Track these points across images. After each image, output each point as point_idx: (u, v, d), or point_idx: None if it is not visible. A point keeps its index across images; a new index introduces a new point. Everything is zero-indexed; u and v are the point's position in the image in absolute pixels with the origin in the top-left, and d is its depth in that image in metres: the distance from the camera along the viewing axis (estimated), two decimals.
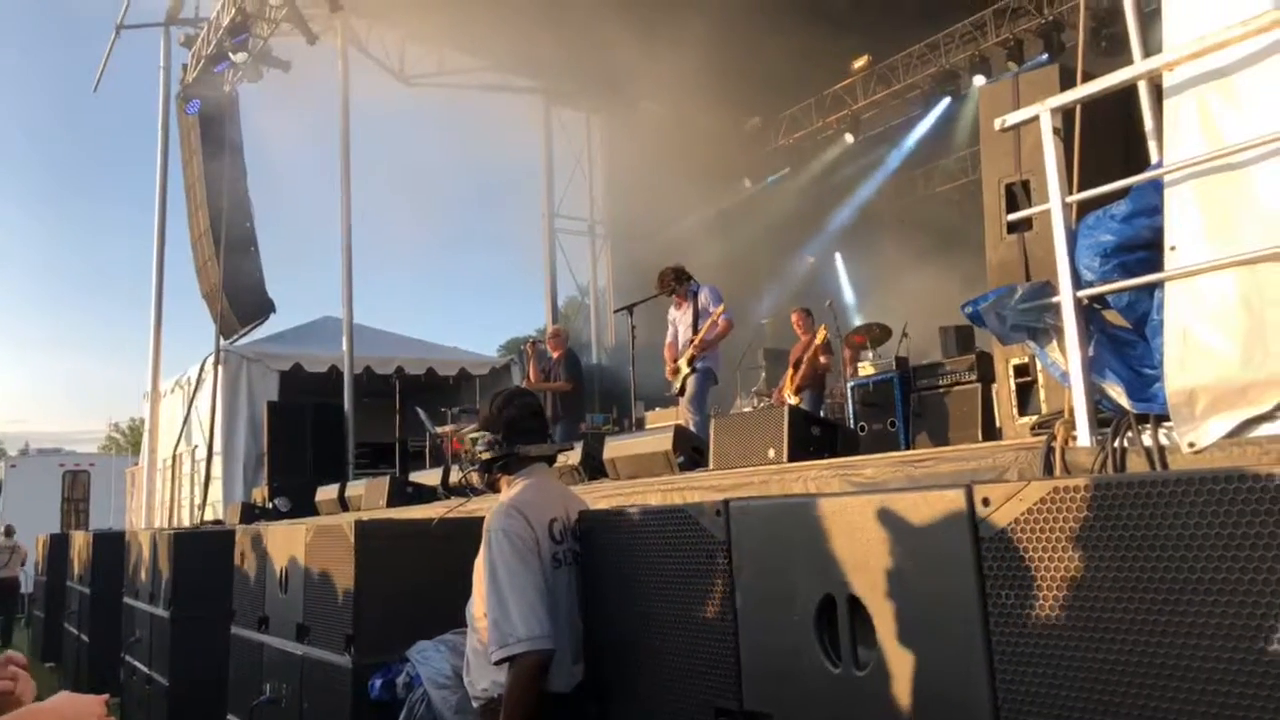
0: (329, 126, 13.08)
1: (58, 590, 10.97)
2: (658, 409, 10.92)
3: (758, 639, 2.09)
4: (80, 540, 9.86)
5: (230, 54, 12.52)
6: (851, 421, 8.82)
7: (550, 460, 3.05)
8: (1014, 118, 3.06)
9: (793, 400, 9.10)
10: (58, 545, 11.59)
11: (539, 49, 14.71)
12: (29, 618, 15.31)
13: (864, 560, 1.83)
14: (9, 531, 16.22)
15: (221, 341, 13.19)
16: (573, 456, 5.61)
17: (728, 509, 2.15)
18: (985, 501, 1.64)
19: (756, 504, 2.16)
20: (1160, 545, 1.41)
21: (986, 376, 7.70)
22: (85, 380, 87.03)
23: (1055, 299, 2.86)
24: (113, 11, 14.30)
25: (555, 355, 10.15)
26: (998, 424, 6.90)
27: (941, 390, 8.11)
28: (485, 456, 2.90)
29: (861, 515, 1.83)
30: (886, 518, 1.80)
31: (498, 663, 2.57)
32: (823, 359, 9.35)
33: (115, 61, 15.20)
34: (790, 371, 9.56)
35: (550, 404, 9.86)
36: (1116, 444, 2.55)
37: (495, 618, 2.57)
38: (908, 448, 7.82)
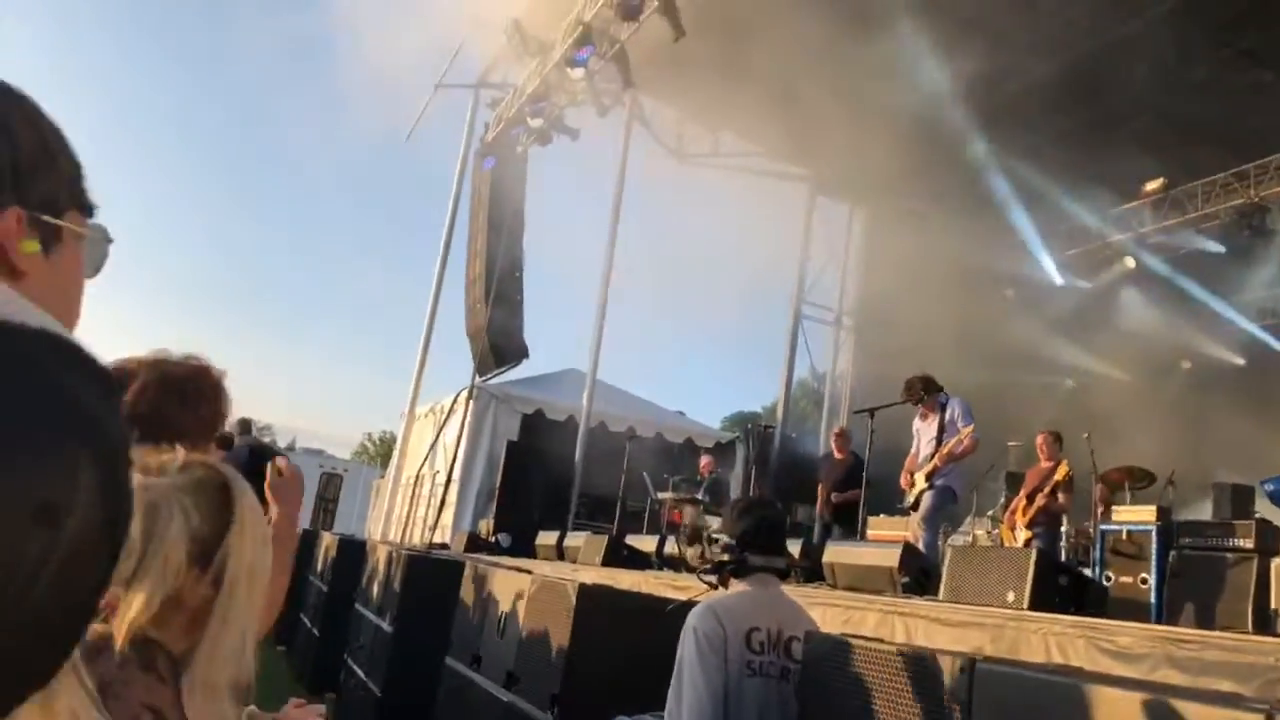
0: (602, 191, 13.90)
1: (299, 582, 11.99)
2: (882, 515, 10.53)
3: None
4: (327, 540, 10.75)
5: (528, 119, 13.61)
6: (1096, 569, 8.11)
7: (780, 573, 3.12)
8: None
9: (1024, 534, 8.49)
10: (306, 540, 12.68)
11: (813, 139, 14.89)
12: None
13: None
14: None
15: (476, 379, 14.16)
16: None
17: (973, 669, 2.03)
18: None
19: (1008, 671, 2.03)
20: None
21: (1266, 549, 6.86)
22: (348, 389, 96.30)
23: None
24: (426, 75, 16.03)
25: (839, 457, 9.86)
26: (1272, 605, 6.11)
27: (1209, 553, 7.29)
28: (721, 559, 3.09)
29: (1132, 713, 1.67)
30: None
31: None
32: (1061, 497, 8.62)
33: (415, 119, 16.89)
34: (1024, 501, 8.89)
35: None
36: None
37: (670, 708, 2.79)
38: (1160, 609, 7.08)
